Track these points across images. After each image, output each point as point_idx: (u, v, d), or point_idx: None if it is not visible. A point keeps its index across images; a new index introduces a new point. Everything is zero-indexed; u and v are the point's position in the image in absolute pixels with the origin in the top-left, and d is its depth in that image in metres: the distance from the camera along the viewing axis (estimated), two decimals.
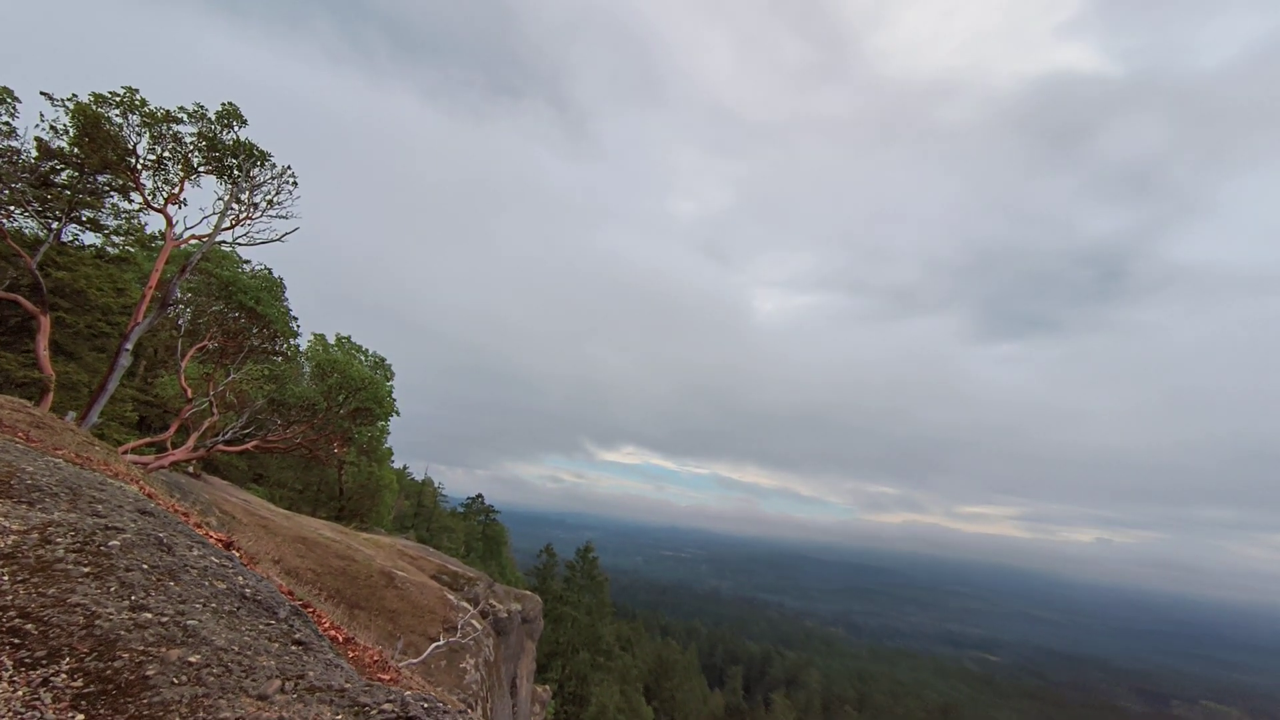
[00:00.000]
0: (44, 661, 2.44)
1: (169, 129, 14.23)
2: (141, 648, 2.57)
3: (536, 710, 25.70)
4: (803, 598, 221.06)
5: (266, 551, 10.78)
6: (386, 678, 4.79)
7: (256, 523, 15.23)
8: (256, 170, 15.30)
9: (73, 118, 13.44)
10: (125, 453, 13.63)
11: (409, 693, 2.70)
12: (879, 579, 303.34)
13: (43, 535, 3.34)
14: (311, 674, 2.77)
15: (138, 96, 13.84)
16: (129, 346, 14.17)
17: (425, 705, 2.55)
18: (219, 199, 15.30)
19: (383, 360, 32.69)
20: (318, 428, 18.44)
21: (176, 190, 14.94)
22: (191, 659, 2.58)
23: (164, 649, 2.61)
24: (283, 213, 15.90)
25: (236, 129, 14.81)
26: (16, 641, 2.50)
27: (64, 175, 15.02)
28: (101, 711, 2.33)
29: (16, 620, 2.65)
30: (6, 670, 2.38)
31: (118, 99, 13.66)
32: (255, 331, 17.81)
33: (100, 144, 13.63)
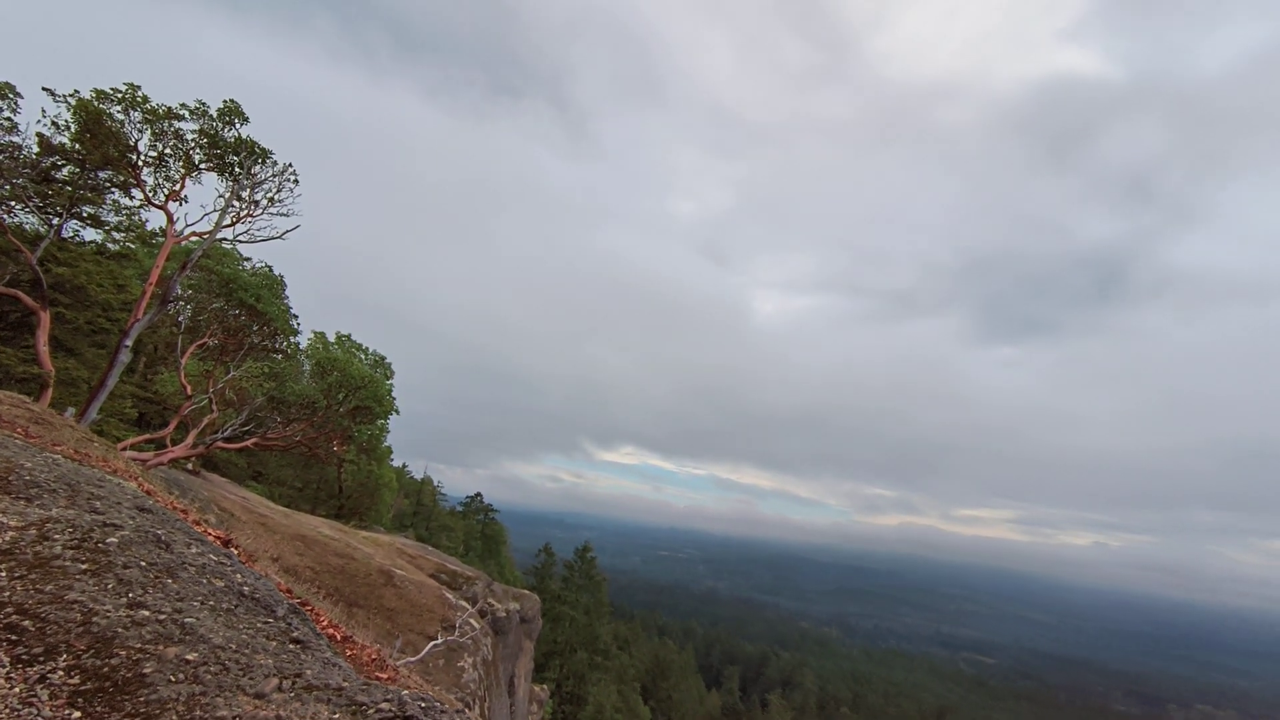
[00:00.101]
0: (41, 658, 2.43)
1: (170, 126, 14.23)
2: (139, 645, 2.56)
3: (534, 709, 25.69)
4: (799, 599, 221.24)
5: (265, 549, 10.77)
6: (384, 676, 4.78)
7: (255, 520, 15.23)
8: (258, 168, 15.31)
9: (74, 114, 13.44)
10: (124, 449, 13.62)
11: (406, 692, 2.70)
12: (875, 581, 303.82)
13: (41, 531, 3.33)
14: (309, 672, 2.76)
15: (139, 93, 13.84)
16: (129, 343, 14.17)
17: (423, 705, 2.54)
18: (220, 196, 15.30)
19: (382, 359, 32.70)
20: (317, 426, 18.43)
21: (178, 187, 14.94)
22: (189, 657, 2.57)
23: (161, 647, 2.60)
24: (284, 210, 15.91)
25: (238, 126, 14.81)
26: (14, 638, 2.49)
27: (65, 171, 15.02)
28: (98, 709, 2.32)
29: (14, 617, 2.64)
30: (3, 667, 2.37)
31: (119, 95, 13.66)
32: (255, 329, 17.81)
33: (102, 140, 13.63)
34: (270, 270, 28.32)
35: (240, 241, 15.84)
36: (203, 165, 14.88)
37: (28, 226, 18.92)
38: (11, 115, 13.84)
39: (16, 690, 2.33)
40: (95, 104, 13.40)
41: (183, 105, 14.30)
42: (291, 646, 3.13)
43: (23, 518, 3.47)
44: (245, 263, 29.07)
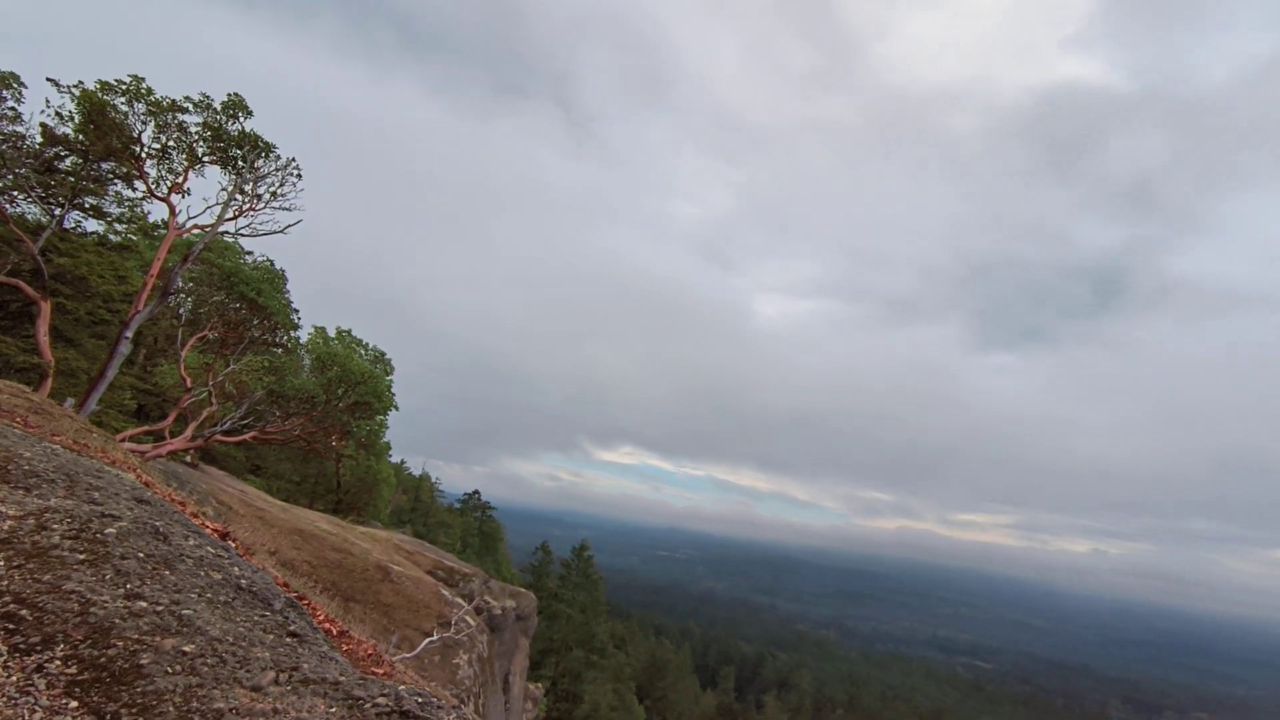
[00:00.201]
0: (38, 648, 2.43)
1: (174, 118, 14.22)
2: (136, 636, 2.56)
3: (529, 707, 25.70)
4: (796, 600, 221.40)
5: (262, 543, 10.78)
6: (380, 672, 4.78)
7: (253, 514, 15.24)
8: (261, 162, 15.30)
9: (78, 104, 13.43)
10: (123, 440, 13.62)
11: (403, 687, 2.70)
12: (872, 584, 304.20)
13: (39, 521, 3.33)
14: (306, 666, 2.77)
15: (144, 85, 13.83)
16: (129, 334, 14.17)
17: (420, 700, 2.54)
18: (223, 189, 15.29)
19: (383, 354, 32.67)
20: (316, 420, 18.44)
21: (180, 180, 14.93)
22: (186, 649, 2.57)
23: (158, 638, 2.60)
24: (286, 205, 15.90)
25: (242, 120, 14.80)
26: (11, 627, 2.49)
27: (68, 162, 15.02)
28: (95, 699, 2.32)
29: (11, 606, 2.64)
30: (1, 656, 2.37)
31: (124, 87, 13.65)
32: (256, 323, 17.81)
33: (105, 131, 13.62)
34: (271, 264, 28.30)
35: (242, 235, 15.84)
36: (206, 158, 14.88)
37: (30, 216, 18.91)
38: (15, 105, 13.85)
39: (14, 679, 2.33)
40: (99, 95, 13.39)
41: (187, 98, 14.30)
42: (288, 640, 3.13)
43: (21, 507, 3.47)
44: (247, 256, 29.05)
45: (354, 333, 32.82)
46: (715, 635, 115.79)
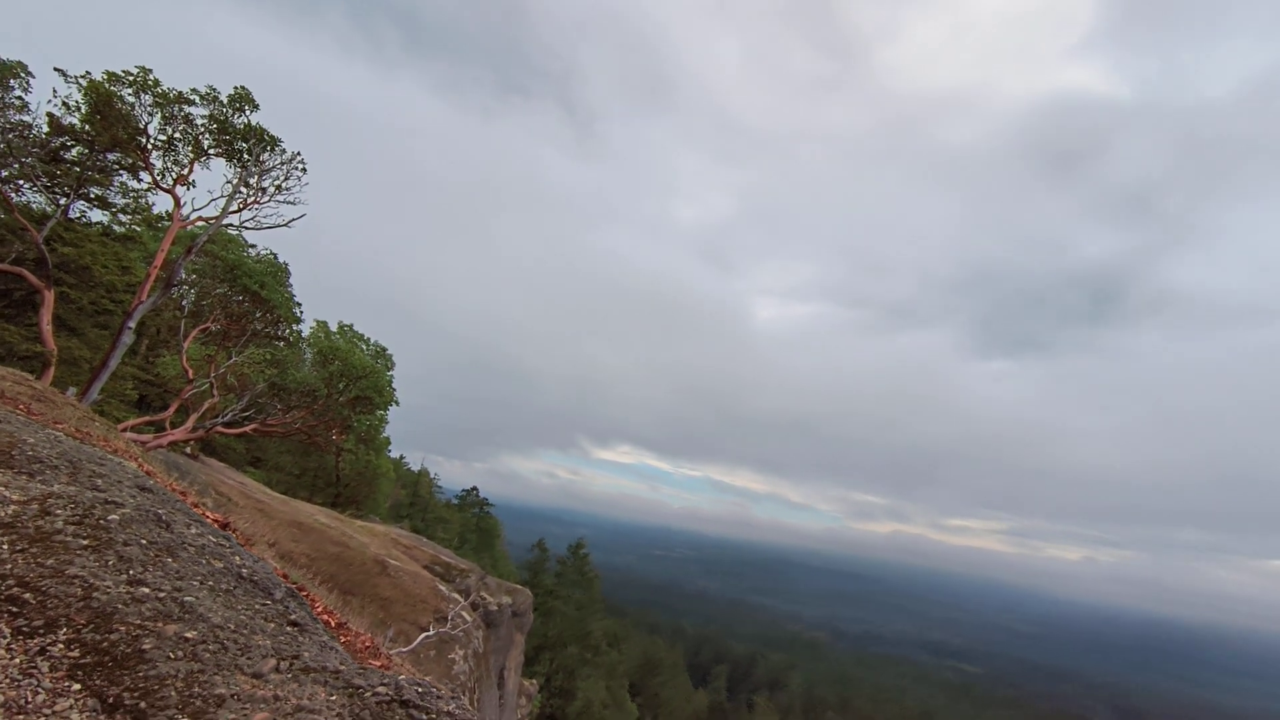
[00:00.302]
0: (41, 631, 2.45)
1: (181, 110, 14.24)
2: (138, 621, 2.58)
3: (523, 703, 25.74)
4: (789, 601, 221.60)
5: (262, 534, 10.80)
6: (378, 664, 4.80)
7: (252, 505, 15.28)
8: (266, 155, 15.31)
9: (85, 95, 13.45)
10: (124, 430, 13.65)
11: (403, 677, 2.72)
12: (864, 586, 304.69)
13: (43, 506, 3.36)
14: (306, 655, 2.79)
15: (151, 76, 13.85)
16: (132, 324, 14.20)
17: (419, 690, 2.56)
18: (227, 182, 15.31)
19: (384, 350, 32.72)
20: (317, 414, 18.46)
21: (185, 171, 14.96)
22: (188, 635, 2.59)
23: (161, 624, 2.62)
24: (290, 199, 15.92)
25: (248, 113, 14.82)
26: (14, 610, 2.52)
27: (74, 152, 15.05)
28: (98, 682, 2.34)
29: (15, 589, 2.67)
30: (4, 638, 2.39)
31: (131, 78, 13.67)
32: (259, 315, 17.83)
33: (111, 122, 13.64)
34: (275, 258, 28.34)
35: (246, 228, 15.86)
36: (211, 151, 14.90)
37: (35, 205, 18.96)
38: (23, 94, 13.87)
39: (17, 661, 2.36)
40: (106, 86, 13.41)
41: (193, 90, 14.32)
42: (289, 629, 3.15)
43: (25, 492, 3.49)
44: (250, 249, 29.09)
45: (355, 327, 32.87)
46: (708, 634, 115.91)
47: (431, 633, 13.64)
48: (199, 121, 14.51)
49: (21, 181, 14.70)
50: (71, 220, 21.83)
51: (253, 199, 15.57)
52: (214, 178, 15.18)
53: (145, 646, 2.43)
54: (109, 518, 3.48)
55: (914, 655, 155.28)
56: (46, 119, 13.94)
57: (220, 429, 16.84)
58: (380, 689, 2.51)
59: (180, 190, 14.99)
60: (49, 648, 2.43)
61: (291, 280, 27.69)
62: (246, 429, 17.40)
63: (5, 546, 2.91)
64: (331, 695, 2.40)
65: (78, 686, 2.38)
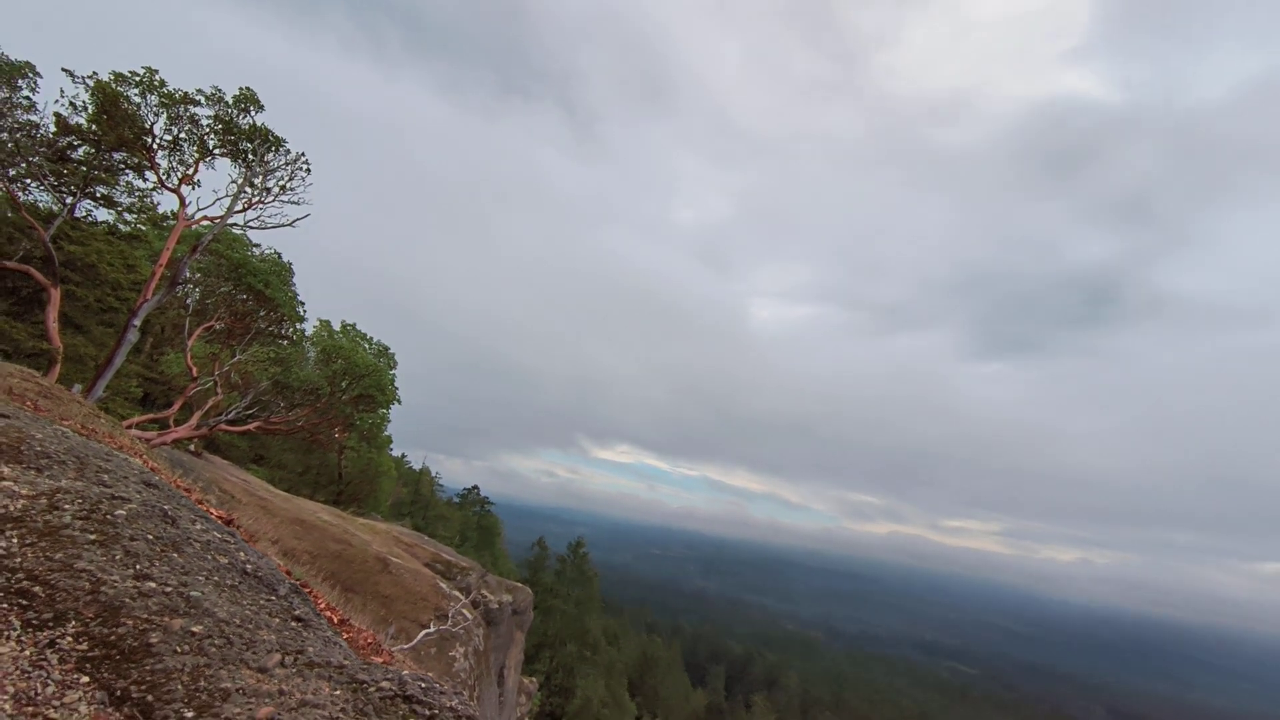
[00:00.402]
0: (50, 624, 2.49)
1: (186, 111, 14.33)
2: (145, 616, 2.62)
3: (523, 701, 25.78)
4: (786, 600, 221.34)
5: (265, 531, 10.86)
6: (380, 660, 4.84)
7: (256, 503, 15.36)
8: (271, 155, 15.39)
9: (92, 95, 13.55)
10: (129, 427, 13.74)
11: (406, 672, 2.75)
12: (860, 585, 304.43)
13: (51, 501, 3.40)
14: (311, 650, 2.82)
15: (157, 77, 13.94)
16: (137, 322, 14.29)
17: (423, 685, 2.59)
18: (232, 182, 15.40)
19: (386, 349, 32.81)
20: (320, 412, 18.54)
21: (191, 171, 15.05)
22: (194, 629, 2.63)
23: (167, 618, 2.66)
24: (294, 198, 16.00)
25: (253, 113, 14.90)
26: (24, 603, 2.56)
27: (81, 151, 15.15)
28: (106, 675, 2.38)
29: (24, 582, 2.70)
30: (14, 630, 2.43)
31: (137, 79, 13.76)
32: (262, 314, 17.92)
33: (118, 122, 13.74)
34: (279, 257, 28.47)
35: (250, 227, 15.94)
36: (216, 151, 14.98)
37: (42, 204, 19.10)
38: (30, 94, 13.98)
39: (27, 653, 2.40)
40: (113, 86, 13.51)
41: (199, 91, 14.40)
42: (293, 624, 3.19)
43: (33, 487, 3.53)
44: (254, 248, 29.22)
45: (358, 326, 32.98)
46: (706, 633, 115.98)
47: (432, 630, 13.69)
48: (204, 122, 14.60)
49: (29, 180, 14.80)
50: (78, 219, 21.96)
51: (257, 199, 15.65)
52: (219, 178, 15.31)
53: (152, 640, 2.47)
54: (116, 513, 3.52)
55: (909, 655, 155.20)
56: (54, 119, 14.05)
57: (224, 426, 16.92)
58: (384, 684, 2.54)
59: (185, 190, 15.08)
60: (58, 640, 2.47)
61: (295, 279, 27.83)
62: (250, 427, 17.49)
63: (15, 540, 2.95)
64: (336, 690, 2.44)
65: (86, 679, 2.42)
